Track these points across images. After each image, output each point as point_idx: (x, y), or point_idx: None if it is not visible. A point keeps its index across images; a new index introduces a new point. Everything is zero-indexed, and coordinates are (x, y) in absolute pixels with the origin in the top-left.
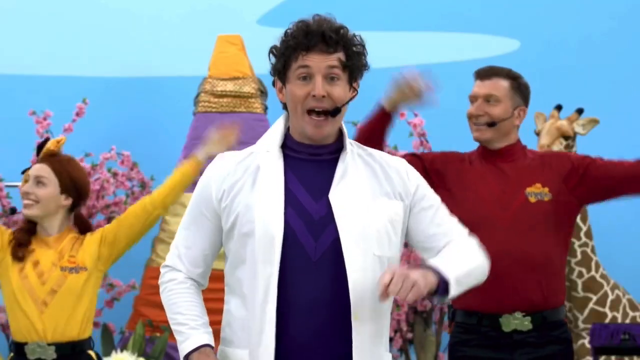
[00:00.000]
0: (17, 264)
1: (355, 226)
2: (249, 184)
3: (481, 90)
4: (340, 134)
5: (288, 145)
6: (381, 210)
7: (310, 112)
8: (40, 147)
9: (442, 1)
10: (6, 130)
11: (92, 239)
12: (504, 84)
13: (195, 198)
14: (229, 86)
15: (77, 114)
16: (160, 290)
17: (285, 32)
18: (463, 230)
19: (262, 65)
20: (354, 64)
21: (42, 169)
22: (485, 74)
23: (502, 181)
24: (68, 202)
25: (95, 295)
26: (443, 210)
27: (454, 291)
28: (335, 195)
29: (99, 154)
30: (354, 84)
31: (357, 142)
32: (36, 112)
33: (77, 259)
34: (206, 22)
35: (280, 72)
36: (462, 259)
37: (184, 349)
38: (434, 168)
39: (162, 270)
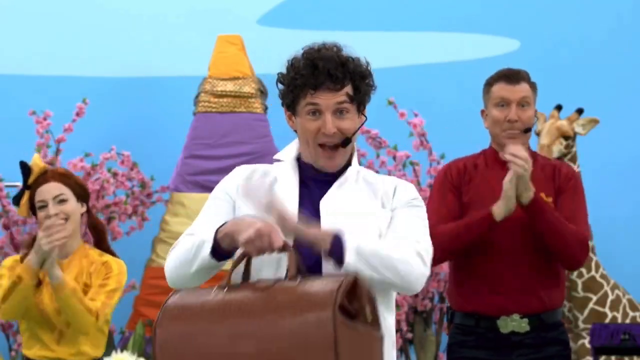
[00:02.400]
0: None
1: None
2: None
3: (514, 95)
4: (350, 156)
5: (301, 166)
6: (373, 221)
7: (322, 145)
8: (24, 170)
9: (442, 1)
10: (6, 130)
11: (101, 273)
12: (528, 87)
13: (215, 194)
14: (229, 86)
15: (77, 114)
16: (167, 258)
17: (292, 64)
18: (420, 243)
19: (262, 65)
20: (362, 94)
21: (57, 187)
22: (515, 77)
23: None
24: (84, 208)
25: (108, 323)
26: (413, 223)
27: (350, 259)
28: (326, 203)
29: (99, 154)
30: (363, 111)
31: (365, 168)
32: (36, 112)
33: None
34: (206, 22)
35: (290, 105)
36: (379, 242)
37: (209, 239)
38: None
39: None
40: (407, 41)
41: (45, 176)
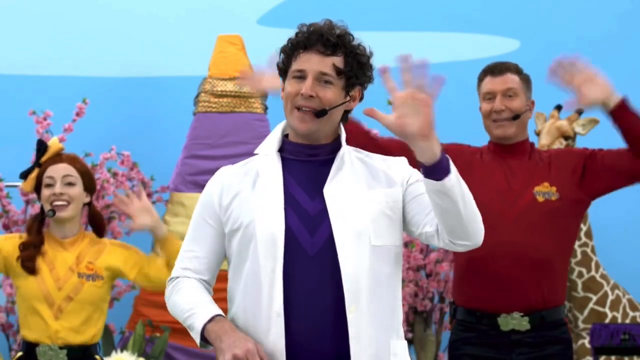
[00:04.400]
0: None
1: (349, 219)
2: (249, 186)
3: (498, 86)
4: (337, 136)
5: (286, 149)
6: (378, 198)
7: (298, 108)
8: (40, 148)
9: (442, 1)
10: (6, 130)
11: (117, 252)
12: (516, 78)
13: (198, 208)
14: (229, 86)
15: (77, 114)
16: (166, 298)
17: (295, 33)
18: None
19: (262, 65)
20: (351, 71)
21: (68, 169)
22: (499, 69)
23: (510, 178)
24: (88, 199)
25: (107, 302)
26: None
27: (452, 177)
28: (330, 190)
29: (99, 154)
30: (352, 92)
31: (353, 147)
32: (36, 112)
33: (96, 266)
34: (206, 22)
35: (282, 70)
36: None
37: (197, 327)
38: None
39: (167, 284)
40: (407, 41)
41: (59, 156)
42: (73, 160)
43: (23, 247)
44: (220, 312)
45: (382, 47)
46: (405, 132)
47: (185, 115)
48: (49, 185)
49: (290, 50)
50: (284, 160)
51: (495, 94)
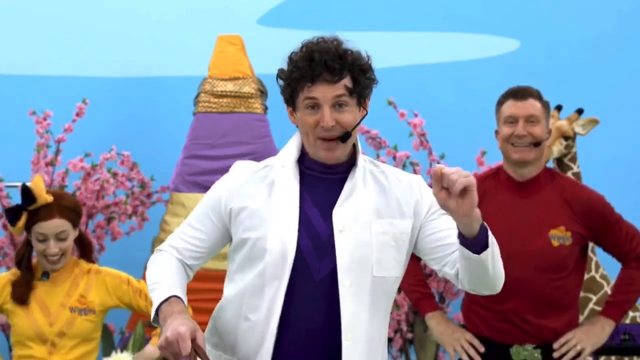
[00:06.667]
0: (22, 305)
1: (354, 248)
2: (263, 197)
3: (521, 110)
4: (353, 151)
5: (303, 162)
6: (386, 229)
7: (321, 138)
8: (26, 195)
9: (442, 1)
10: (6, 130)
11: (107, 285)
12: (538, 104)
13: (206, 199)
14: (229, 86)
15: (77, 114)
16: (147, 267)
17: (290, 58)
18: None
19: (262, 65)
20: (361, 86)
21: (61, 225)
22: (522, 94)
23: (524, 217)
24: (77, 232)
25: (100, 334)
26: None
27: (489, 251)
28: (338, 215)
29: (99, 154)
30: (364, 104)
31: (370, 159)
32: (36, 112)
33: (88, 300)
34: (206, 22)
35: (289, 99)
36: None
37: (154, 304)
38: None
39: (154, 254)
40: (407, 41)
41: (49, 210)
42: (63, 210)
43: (15, 284)
44: (178, 293)
45: (382, 47)
46: (446, 206)
47: (185, 115)
48: (42, 241)
49: (295, 83)
50: (301, 173)
51: (517, 119)
